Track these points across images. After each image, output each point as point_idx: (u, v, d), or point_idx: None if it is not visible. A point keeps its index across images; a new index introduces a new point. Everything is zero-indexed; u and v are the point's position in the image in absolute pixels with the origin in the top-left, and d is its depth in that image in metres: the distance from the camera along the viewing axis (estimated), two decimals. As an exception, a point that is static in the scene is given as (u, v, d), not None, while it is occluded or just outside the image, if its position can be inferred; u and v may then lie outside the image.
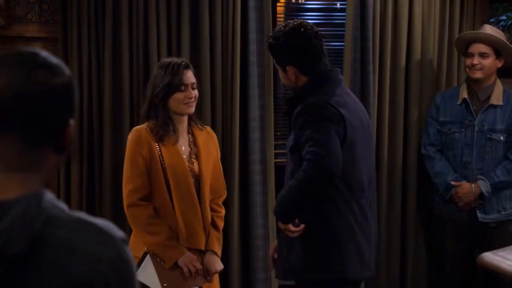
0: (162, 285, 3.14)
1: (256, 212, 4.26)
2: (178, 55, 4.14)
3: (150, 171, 3.14)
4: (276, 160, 4.37)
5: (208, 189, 3.25)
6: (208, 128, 3.43)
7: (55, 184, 4.25)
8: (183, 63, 3.19)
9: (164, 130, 3.15)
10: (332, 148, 2.67)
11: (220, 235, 3.34)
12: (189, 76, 3.18)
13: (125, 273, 1.27)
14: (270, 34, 3.05)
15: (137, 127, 3.24)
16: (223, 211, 3.40)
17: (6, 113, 1.26)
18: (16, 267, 1.20)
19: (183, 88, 3.15)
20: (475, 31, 4.15)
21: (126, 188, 3.16)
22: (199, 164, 3.23)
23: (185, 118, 3.26)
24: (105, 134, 4.20)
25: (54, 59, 1.32)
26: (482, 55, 4.04)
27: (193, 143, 3.27)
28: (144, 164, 3.13)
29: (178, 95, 3.15)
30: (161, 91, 3.13)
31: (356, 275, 2.88)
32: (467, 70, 4.09)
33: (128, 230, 4.16)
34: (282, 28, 2.95)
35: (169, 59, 3.24)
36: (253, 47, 4.22)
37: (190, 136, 3.27)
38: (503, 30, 4.30)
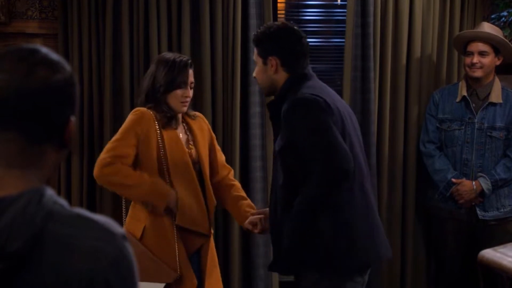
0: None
1: (255, 203, 4.26)
2: (179, 51, 4.14)
3: (140, 155, 3.12)
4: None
5: (208, 172, 3.28)
6: (198, 113, 3.43)
7: (55, 180, 4.26)
8: (189, 61, 3.20)
9: (166, 118, 3.17)
10: (335, 143, 2.60)
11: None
12: (190, 75, 3.20)
13: (125, 269, 1.26)
14: (259, 27, 3.05)
15: (141, 108, 3.20)
16: (238, 183, 3.43)
17: (7, 109, 1.26)
18: (17, 263, 1.20)
19: (183, 86, 3.16)
20: (474, 30, 4.14)
21: (106, 153, 3.08)
22: (197, 150, 3.25)
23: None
24: (106, 130, 4.20)
25: (55, 56, 1.32)
26: (482, 53, 4.04)
27: (189, 131, 3.29)
28: (135, 142, 3.11)
29: (177, 92, 3.16)
30: (163, 86, 3.14)
31: (371, 257, 2.80)
32: (467, 68, 4.09)
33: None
34: (274, 23, 2.97)
35: (171, 55, 3.23)
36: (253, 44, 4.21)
37: (184, 124, 3.30)
38: (504, 27, 4.29)
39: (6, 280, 1.21)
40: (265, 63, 2.88)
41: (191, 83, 3.20)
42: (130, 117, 3.18)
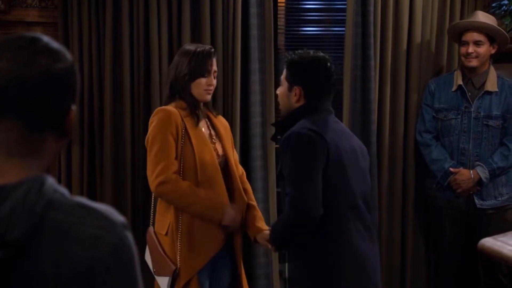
0: (152, 270, 3.21)
1: (257, 198, 4.25)
2: (179, 38, 4.14)
3: (180, 150, 3.13)
4: (277, 146, 4.37)
5: (235, 167, 3.30)
6: (220, 117, 3.45)
7: (56, 169, 4.26)
8: (212, 50, 3.22)
9: (191, 109, 3.18)
10: (307, 188, 2.68)
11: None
12: (214, 63, 3.22)
13: (125, 258, 1.27)
14: (296, 52, 3.03)
15: (164, 107, 3.20)
16: (250, 187, 3.45)
17: (7, 98, 1.26)
18: (17, 251, 1.20)
19: (206, 74, 3.18)
20: (469, 20, 4.12)
21: (157, 167, 3.08)
22: (222, 145, 3.28)
23: (201, 104, 3.28)
24: (106, 119, 4.20)
25: (56, 45, 1.32)
26: (477, 43, 4.05)
27: (211, 126, 3.30)
28: (174, 142, 3.12)
29: (201, 81, 3.17)
30: (187, 75, 3.16)
31: None
32: (462, 58, 4.10)
33: (129, 215, 4.19)
34: (310, 52, 2.98)
35: (194, 45, 3.26)
36: (254, 32, 4.21)
37: (207, 120, 3.31)
38: (504, 15, 4.28)
39: (6, 269, 1.21)
40: (290, 89, 2.95)
41: (215, 71, 3.23)
42: (157, 119, 3.14)
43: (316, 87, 2.91)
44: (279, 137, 3.01)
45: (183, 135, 3.14)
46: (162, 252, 3.20)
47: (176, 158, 3.12)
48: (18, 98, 1.26)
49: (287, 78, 2.97)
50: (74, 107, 1.34)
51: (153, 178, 3.08)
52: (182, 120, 3.15)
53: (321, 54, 2.99)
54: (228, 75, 4.23)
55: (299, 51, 3.02)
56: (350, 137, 2.96)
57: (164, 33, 4.18)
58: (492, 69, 4.15)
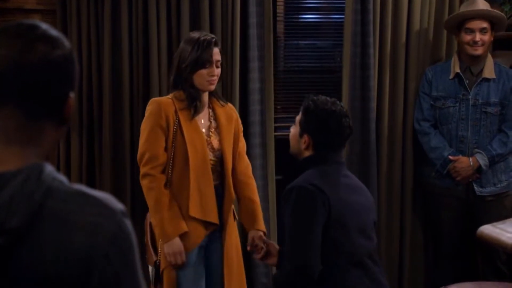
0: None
1: (256, 185, 4.26)
2: (178, 22, 4.13)
3: (172, 141, 3.15)
4: (276, 134, 4.37)
5: (230, 163, 3.28)
6: (230, 105, 3.45)
7: (55, 158, 4.26)
8: (213, 39, 3.20)
9: (189, 101, 3.18)
10: (305, 245, 2.67)
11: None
12: (215, 53, 3.19)
13: (124, 245, 1.27)
14: (315, 97, 2.92)
15: (156, 98, 3.27)
16: (253, 182, 3.44)
17: (5, 84, 1.26)
18: (16, 239, 1.20)
19: (208, 65, 3.16)
20: (475, 9, 4.05)
21: (144, 156, 3.16)
22: (220, 139, 3.26)
23: (206, 93, 3.27)
24: (105, 107, 4.19)
25: (54, 32, 1.32)
26: (482, 30, 4.03)
27: (213, 118, 3.29)
28: (163, 134, 3.14)
29: (202, 72, 3.16)
30: (188, 66, 3.15)
31: None
32: (467, 46, 4.05)
33: (129, 203, 4.19)
34: (328, 103, 2.87)
35: (198, 34, 3.24)
36: (253, 20, 4.20)
37: (210, 110, 3.30)
38: (504, 2, 4.28)
39: (4, 256, 1.21)
40: (301, 135, 2.89)
41: (217, 61, 3.20)
42: (148, 110, 3.20)
43: (326, 141, 2.85)
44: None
45: (175, 128, 3.14)
46: (148, 241, 3.26)
47: (166, 149, 3.15)
48: (16, 85, 1.26)
49: (300, 123, 2.91)
50: (72, 95, 1.34)
51: (141, 166, 3.18)
52: (176, 112, 3.15)
53: (339, 106, 2.88)
54: (227, 63, 4.22)
55: (319, 97, 2.92)
56: (357, 192, 2.89)
57: (163, 18, 4.16)
58: (489, 56, 4.14)
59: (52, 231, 1.22)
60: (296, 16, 4.77)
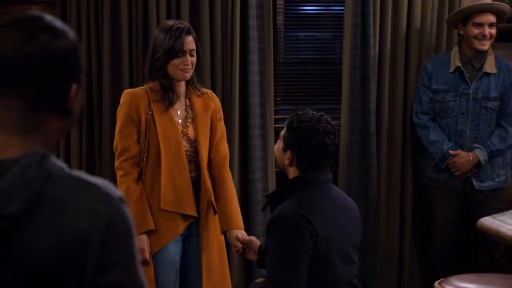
0: None
1: (256, 177, 4.28)
2: (178, 17, 4.11)
3: (144, 133, 3.14)
4: (276, 125, 4.37)
5: (206, 154, 3.23)
6: (209, 92, 3.39)
7: (54, 149, 4.25)
8: (185, 28, 3.14)
9: (163, 92, 3.15)
10: (289, 278, 2.60)
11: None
12: (188, 42, 3.13)
13: (122, 231, 1.28)
14: (300, 112, 2.77)
15: (129, 89, 3.29)
16: (229, 176, 3.38)
17: (7, 72, 1.27)
18: (14, 224, 1.21)
19: (181, 54, 3.11)
20: (485, 2, 4.03)
21: (118, 146, 3.19)
22: (195, 130, 3.21)
23: (183, 83, 3.23)
24: (105, 98, 4.19)
25: (59, 23, 1.34)
26: (491, 25, 4.02)
27: (190, 108, 3.24)
28: (134, 126, 3.14)
29: (175, 61, 3.11)
30: (161, 56, 3.11)
31: None
32: (474, 40, 4.02)
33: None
34: (313, 119, 2.72)
35: (171, 22, 3.20)
36: (252, 11, 4.19)
37: (187, 100, 3.25)
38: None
39: (3, 241, 1.22)
40: (284, 150, 2.78)
41: (191, 50, 3.14)
42: (120, 102, 3.22)
43: (309, 158, 2.73)
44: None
45: (148, 119, 3.13)
46: None
47: (139, 141, 3.14)
48: (17, 73, 1.27)
49: (284, 138, 2.79)
50: (74, 86, 1.34)
51: (116, 156, 3.22)
52: (150, 104, 3.13)
53: (324, 122, 2.72)
54: (227, 55, 4.21)
55: (304, 111, 2.76)
56: (343, 212, 2.79)
57: (162, 7, 4.15)
58: (490, 50, 4.12)
59: (49, 216, 1.23)
60: (296, 7, 4.76)
